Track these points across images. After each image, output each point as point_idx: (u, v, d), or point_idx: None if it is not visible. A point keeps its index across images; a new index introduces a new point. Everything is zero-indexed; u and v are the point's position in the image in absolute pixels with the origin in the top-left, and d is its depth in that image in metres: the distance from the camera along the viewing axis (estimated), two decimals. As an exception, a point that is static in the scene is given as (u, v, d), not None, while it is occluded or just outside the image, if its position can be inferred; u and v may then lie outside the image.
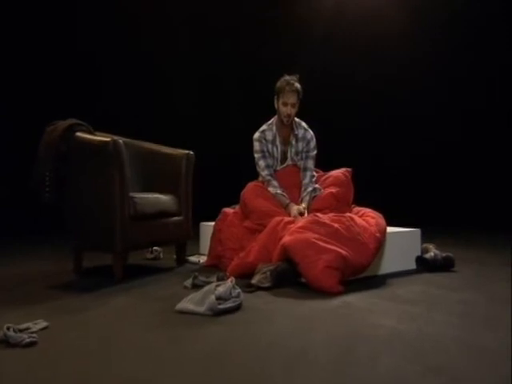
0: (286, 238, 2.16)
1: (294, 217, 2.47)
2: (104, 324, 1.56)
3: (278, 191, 2.65)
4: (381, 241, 2.30)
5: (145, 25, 5.46)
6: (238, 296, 1.72)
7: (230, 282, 1.74)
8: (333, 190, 2.67)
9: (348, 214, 2.42)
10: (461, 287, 2.13)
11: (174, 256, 2.84)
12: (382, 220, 2.43)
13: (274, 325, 1.53)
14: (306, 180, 2.72)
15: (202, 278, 2.14)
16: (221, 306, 1.63)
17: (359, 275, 2.22)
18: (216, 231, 2.78)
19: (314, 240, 2.10)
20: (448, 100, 5.62)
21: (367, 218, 2.44)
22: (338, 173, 2.78)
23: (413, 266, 2.65)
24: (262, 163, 2.72)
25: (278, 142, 2.77)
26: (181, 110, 5.64)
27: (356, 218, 2.39)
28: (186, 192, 2.73)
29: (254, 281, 2.09)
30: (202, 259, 2.88)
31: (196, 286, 2.10)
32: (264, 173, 2.71)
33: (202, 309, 1.63)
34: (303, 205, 2.59)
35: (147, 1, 5.55)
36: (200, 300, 1.66)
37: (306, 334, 1.44)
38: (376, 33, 5.56)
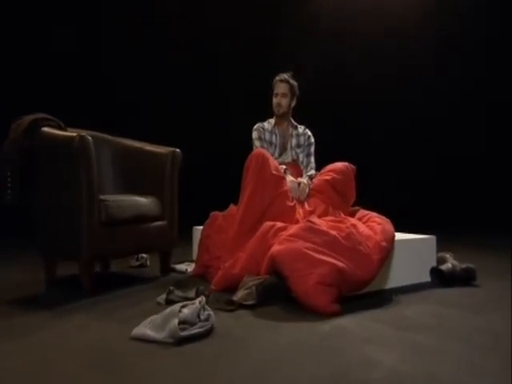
0: (275, 248, 1.87)
1: (291, 182, 2.41)
2: (44, 352, 1.31)
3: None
4: (387, 251, 1.97)
5: (138, 23, 5.25)
6: (207, 319, 1.44)
7: (198, 301, 1.46)
8: (328, 176, 2.41)
9: (350, 220, 2.11)
10: (483, 307, 1.79)
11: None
12: (389, 226, 2.11)
13: (246, 359, 1.24)
14: (308, 169, 2.73)
15: (178, 293, 1.87)
16: (184, 333, 1.35)
17: (360, 291, 1.90)
18: (203, 237, 2.51)
19: (305, 250, 1.79)
20: (454, 100, 5.28)
21: (372, 223, 2.12)
22: (338, 163, 2.51)
23: (427, 278, 2.31)
24: (257, 143, 2.71)
25: (277, 132, 2.76)
26: (176, 109, 5.42)
27: (359, 224, 2.07)
28: (170, 194, 2.47)
29: (235, 297, 1.80)
30: (191, 268, 2.62)
31: (171, 302, 1.82)
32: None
33: (161, 335, 1.35)
34: (304, 180, 2.52)
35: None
36: (161, 324, 1.38)
37: (281, 373, 1.14)
38: (381, 32, 5.27)
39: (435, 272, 2.31)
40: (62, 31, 5.00)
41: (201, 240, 2.53)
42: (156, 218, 2.35)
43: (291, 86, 2.67)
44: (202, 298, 1.48)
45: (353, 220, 2.15)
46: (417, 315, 1.67)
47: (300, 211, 2.32)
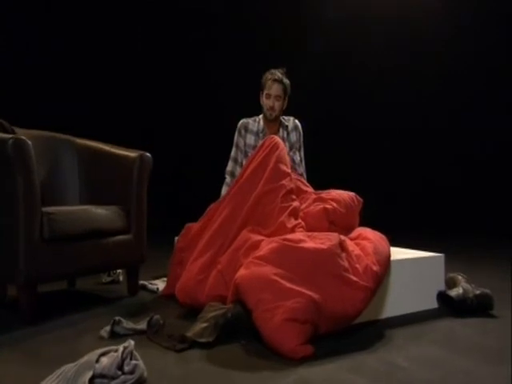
0: (240, 273, 1.55)
1: None
2: None
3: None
4: (379, 277, 1.62)
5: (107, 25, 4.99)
6: (132, 371, 1.13)
7: (122, 347, 1.16)
8: (329, 205, 1.99)
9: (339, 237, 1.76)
10: (498, 350, 1.42)
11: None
12: (383, 244, 1.75)
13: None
14: (300, 168, 2.49)
15: (126, 325, 1.58)
16: (96, 392, 1.05)
17: (342, 327, 1.55)
18: (177, 251, 2.20)
19: (274, 277, 1.47)
20: (456, 107, 4.80)
21: (363, 241, 1.77)
22: (344, 193, 2.13)
23: (433, 305, 1.95)
24: (233, 152, 2.52)
25: (265, 135, 2.41)
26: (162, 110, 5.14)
27: (348, 242, 1.71)
28: (138, 203, 2.17)
29: (189, 333, 1.49)
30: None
31: (116, 336, 1.55)
32: (228, 166, 2.52)
33: (68, 394, 1.06)
34: None
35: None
36: (72, 378, 1.09)
37: None
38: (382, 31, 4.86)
39: (443, 298, 1.94)
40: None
41: (174, 254, 2.23)
42: (119, 232, 2.07)
43: (285, 87, 2.39)
44: (130, 343, 1.18)
45: (341, 236, 1.79)
46: (411, 364, 1.32)
47: (292, 221, 1.94)
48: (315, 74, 4.74)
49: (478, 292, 1.91)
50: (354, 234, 1.89)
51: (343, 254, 1.60)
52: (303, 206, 2.07)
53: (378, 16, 4.75)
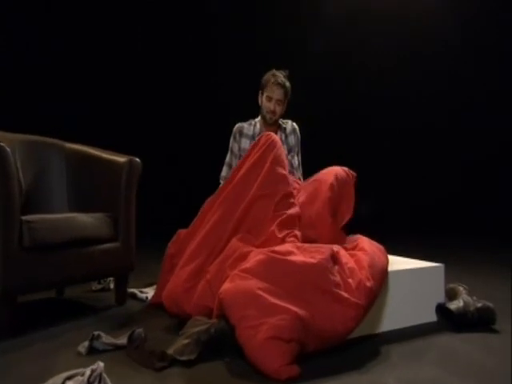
0: (224, 286, 1.47)
1: None
2: None
3: None
4: (373, 292, 1.52)
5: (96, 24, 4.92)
6: (100, 397, 1.06)
7: (89, 370, 1.08)
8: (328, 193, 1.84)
9: (331, 248, 1.67)
10: (499, 372, 1.32)
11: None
12: (380, 256, 1.65)
13: None
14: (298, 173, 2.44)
15: (104, 340, 1.50)
16: (59, 421, 0.98)
17: (334, 344, 1.46)
18: (167, 257, 2.11)
19: (259, 292, 1.38)
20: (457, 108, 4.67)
21: (359, 252, 1.67)
22: (334, 168, 1.97)
23: (432, 318, 1.85)
24: (227, 159, 2.46)
25: None
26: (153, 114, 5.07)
27: (342, 253, 1.61)
28: (126, 210, 2.10)
29: (170, 350, 1.41)
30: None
31: (95, 351, 1.47)
32: (222, 172, 2.46)
33: (29, 422, 0.99)
34: None
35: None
36: (35, 403, 1.02)
37: None
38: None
39: (442, 310, 1.85)
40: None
41: (164, 261, 2.14)
42: (105, 240, 2.00)
43: (287, 91, 2.32)
44: (98, 365, 1.11)
45: (334, 247, 1.69)
46: (403, 387, 1.23)
47: (284, 230, 1.83)
48: (315, 74, 4.65)
49: (479, 305, 1.81)
50: (350, 244, 1.79)
51: (335, 268, 1.51)
52: (301, 198, 1.94)
53: (377, 16, 4.64)
